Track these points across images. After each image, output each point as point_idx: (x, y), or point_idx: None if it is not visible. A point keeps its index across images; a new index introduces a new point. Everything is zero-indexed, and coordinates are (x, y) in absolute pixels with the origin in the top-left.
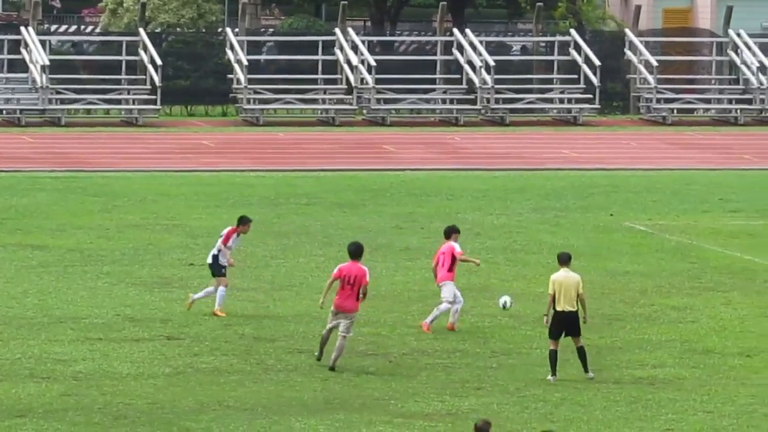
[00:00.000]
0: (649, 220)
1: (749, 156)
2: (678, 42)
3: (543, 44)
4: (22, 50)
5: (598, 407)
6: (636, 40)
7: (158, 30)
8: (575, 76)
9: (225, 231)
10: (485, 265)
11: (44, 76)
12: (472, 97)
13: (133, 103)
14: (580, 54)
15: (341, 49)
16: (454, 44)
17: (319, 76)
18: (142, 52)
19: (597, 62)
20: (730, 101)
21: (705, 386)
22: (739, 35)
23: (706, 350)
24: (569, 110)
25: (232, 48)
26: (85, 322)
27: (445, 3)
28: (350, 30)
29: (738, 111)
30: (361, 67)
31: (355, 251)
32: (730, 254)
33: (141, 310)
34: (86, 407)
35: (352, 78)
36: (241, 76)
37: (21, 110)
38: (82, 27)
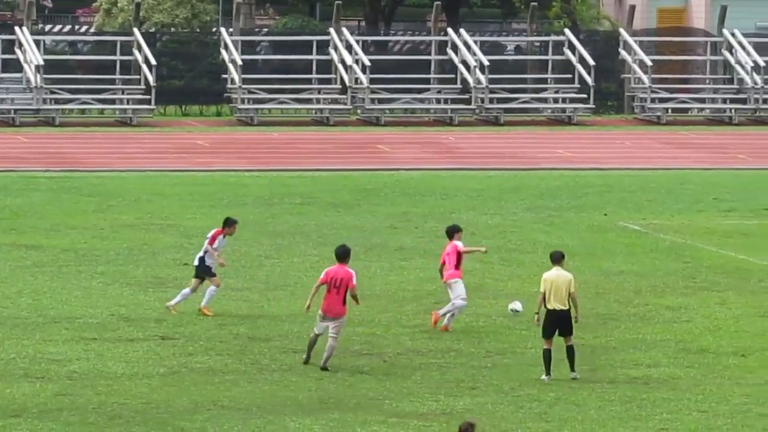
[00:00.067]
0: (643, 220)
1: (744, 156)
2: (672, 42)
3: (537, 44)
4: (17, 50)
5: (592, 407)
6: (630, 40)
7: (152, 30)
8: (570, 76)
9: (211, 233)
10: (480, 265)
11: (39, 75)
12: (466, 96)
13: (128, 103)
14: (574, 54)
15: (335, 48)
16: (449, 44)
17: (314, 75)
18: (136, 52)
19: (591, 62)
20: (724, 101)
21: (699, 386)
22: (733, 35)
23: (700, 350)
24: (564, 110)
25: (226, 48)
26: (80, 322)
27: (439, 3)
28: (344, 30)
29: (732, 110)
30: (355, 66)
31: (342, 254)
32: (724, 254)
33: (135, 310)
34: (81, 407)
35: (346, 78)
36: (236, 76)
37: (15, 110)
38: (77, 27)
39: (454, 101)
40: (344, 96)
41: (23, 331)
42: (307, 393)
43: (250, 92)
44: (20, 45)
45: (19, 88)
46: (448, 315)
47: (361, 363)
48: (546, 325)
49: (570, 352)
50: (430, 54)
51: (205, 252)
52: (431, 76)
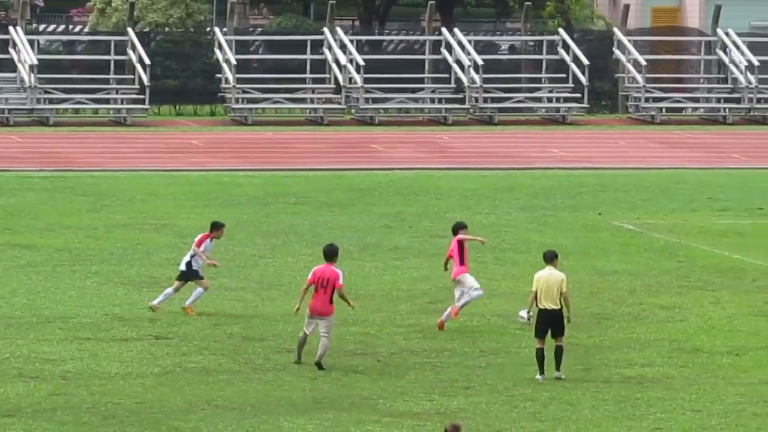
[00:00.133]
0: (637, 219)
1: (738, 155)
2: (666, 41)
3: (531, 43)
4: (11, 50)
5: (586, 406)
6: (624, 39)
7: (147, 29)
8: (564, 75)
9: (198, 237)
10: (474, 264)
11: (32, 75)
12: (460, 96)
13: (122, 103)
14: (568, 53)
15: (330, 48)
16: (443, 43)
17: (308, 75)
18: (130, 52)
19: (585, 61)
20: (718, 100)
21: (693, 385)
22: (727, 34)
23: (694, 349)
24: (558, 109)
25: (220, 47)
26: (74, 321)
27: (433, 2)
28: (338, 29)
29: (726, 110)
30: (349, 66)
31: (329, 253)
32: (718, 253)
33: (129, 310)
34: (75, 407)
35: (340, 77)
36: (230, 76)
37: (9, 110)
38: (71, 26)
39: (448, 101)
40: (338, 95)
41: (17, 330)
42: (301, 393)
43: (244, 92)
44: (14, 45)
45: (13, 87)
46: (469, 302)
47: (355, 362)
48: (538, 325)
49: (558, 351)
50: (424, 53)
51: (192, 256)
52: (425, 75)
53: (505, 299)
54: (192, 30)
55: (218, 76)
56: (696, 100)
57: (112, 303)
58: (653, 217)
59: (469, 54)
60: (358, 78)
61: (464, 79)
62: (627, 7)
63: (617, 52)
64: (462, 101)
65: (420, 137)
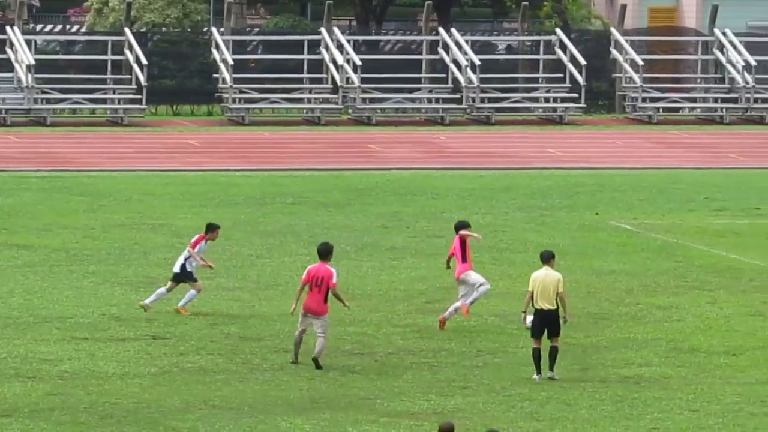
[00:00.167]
0: (634, 219)
1: (735, 155)
2: (663, 41)
3: (528, 43)
4: (8, 50)
5: (583, 406)
6: (621, 39)
7: (144, 29)
8: (561, 75)
9: (194, 238)
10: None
11: (30, 75)
12: (457, 96)
13: (119, 103)
14: (565, 53)
15: (327, 48)
16: (440, 43)
17: (305, 75)
18: (127, 52)
19: (582, 61)
20: (715, 100)
21: (691, 385)
22: (724, 34)
23: (691, 349)
24: (555, 109)
25: (217, 47)
26: (71, 321)
27: (430, 2)
28: (336, 29)
29: (723, 110)
30: (346, 66)
31: (323, 252)
32: (715, 253)
33: (127, 310)
34: (72, 407)
35: (337, 77)
36: (227, 76)
37: (6, 110)
38: (68, 26)
39: (445, 101)
40: (335, 95)
41: (14, 330)
42: (299, 392)
43: (241, 92)
44: (11, 45)
45: (10, 87)
46: (479, 298)
47: (353, 362)
48: (534, 325)
49: (553, 351)
50: (421, 53)
51: (187, 258)
52: (422, 75)
53: (502, 299)
54: (189, 30)
55: (215, 76)
56: (693, 100)
57: (110, 303)
58: (650, 217)
59: (466, 54)
60: (355, 78)
61: (461, 79)
62: (624, 6)
63: (614, 52)
64: (459, 101)
65: (417, 137)
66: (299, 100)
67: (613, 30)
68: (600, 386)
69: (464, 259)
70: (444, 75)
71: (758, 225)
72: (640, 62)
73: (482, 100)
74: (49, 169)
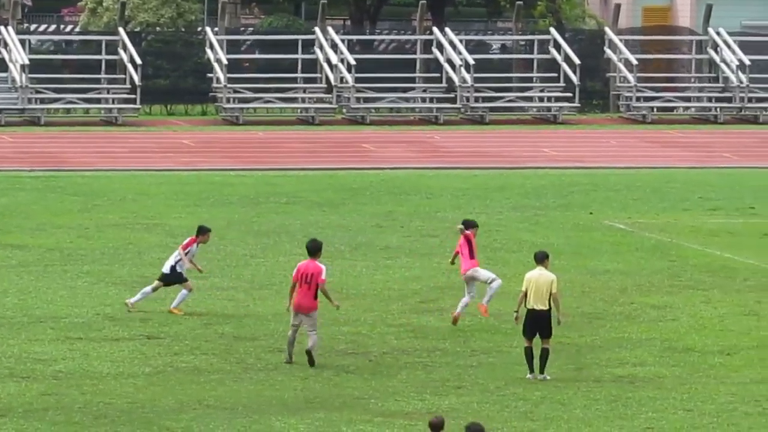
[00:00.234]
0: (628, 219)
1: (729, 154)
2: (658, 40)
3: (522, 43)
4: (2, 49)
5: (578, 405)
6: (615, 39)
7: (138, 29)
8: (555, 75)
9: (185, 241)
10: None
11: (24, 75)
12: (451, 95)
13: (113, 103)
14: (559, 52)
15: (321, 48)
16: (434, 43)
17: (299, 75)
18: (121, 52)
19: (577, 61)
20: (709, 99)
21: (685, 384)
22: (718, 33)
23: (686, 348)
24: (549, 109)
25: (211, 47)
26: (65, 321)
27: (424, 2)
28: (330, 29)
29: (718, 109)
30: (340, 65)
31: (312, 248)
32: (709, 252)
33: (121, 310)
34: (66, 406)
35: (331, 77)
36: (221, 75)
37: (0, 109)
38: (62, 26)
39: (439, 100)
40: (329, 95)
41: (9, 330)
42: (293, 392)
43: (235, 91)
44: (5, 44)
45: (5, 87)
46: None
47: (347, 362)
48: (526, 325)
49: (544, 354)
50: (415, 53)
51: (177, 261)
52: (416, 75)
53: (496, 299)
54: (183, 30)
55: (209, 75)
56: (687, 99)
57: (104, 303)
58: (644, 217)
59: (460, 53)
60: (349, 77)
61: (455, 78)
62: (618, 6)
63: (608, 52)
64: (453, 101)
65: (411, 137)
66: (293, 100)
67: (607, 29)
68: (594, 386)
69: (471, 256)
70: (438, 74)
71: (752, 224)
72: (635, 61)
73: (476, 100)
74: (43, 169)
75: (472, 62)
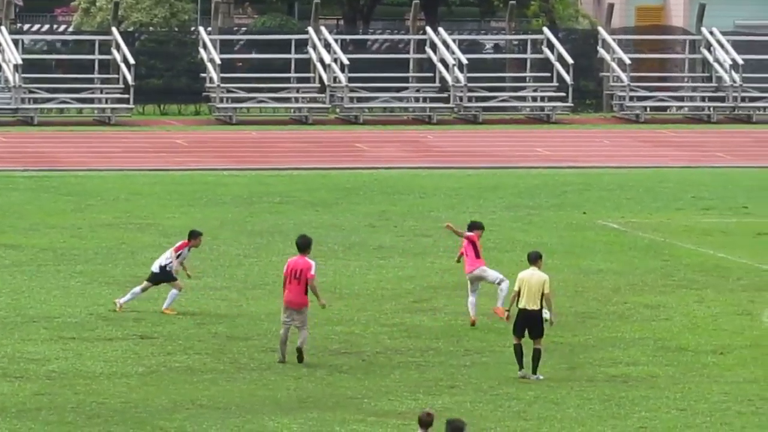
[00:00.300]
0: (622, 218)
1: (722, 154)
2: (651, 40)
3: (516, 42)
4: None
5: (571, 405)
6: (609, 38)
7: (131, 29)
8: (548, 74)
9: (177, 244)
10: (459, 264)
11: (17, 75)
12: (445, 95)
13: (106, 102)
14: (552, 52)
15: (314, 47)
16: (427, 42)
17: (292, 74)
18: (114, 51)
19: (570, 60)
20: (703, 99)
21: (678, 384)
22: (711, 33)
23: (679, 348)
24: (542, 108)
25: (205, 47)
26: (59, 321)
27: (417, 1)
28: (323, 28)
29: (711, 109)
30: (334, 65)
31: (302, 245)
32: (703, 252)
33: (114, 310)
34: (59, 406)
35: (325, 76)
36: (214, 75)
37: None
38: (55, 26)
39: (432, 100)
40: (323, 95)
41: (2, 330)
42: (286, 392)
43: (228, 91)
44: None
45: None
46: (507, 295)
47: (340, 362)
48: (516, 323)
49: (536, 354)
50: (408, 52)
51: (168, 262)
52: (410, 74)
53: (489, 298)
54: (176, 29)
55: (203, 75)
56: (680, 98)
57: (97, 302)
58: (638, 216)
59: (453, 53)
60: (342, 77)
61: (449, 78)
62: (611, 5)
63: (602, 51)
64: (446, 100)
65: (404, 136)
66: (287, 100)
67: (600, 29)
68: (587, 385)
69: (477, 256)
70: (431, 74)
71: (745, 224)
72: (628, 61)
73: (469, 99)
74: (36, 169)
75: (465, 62)
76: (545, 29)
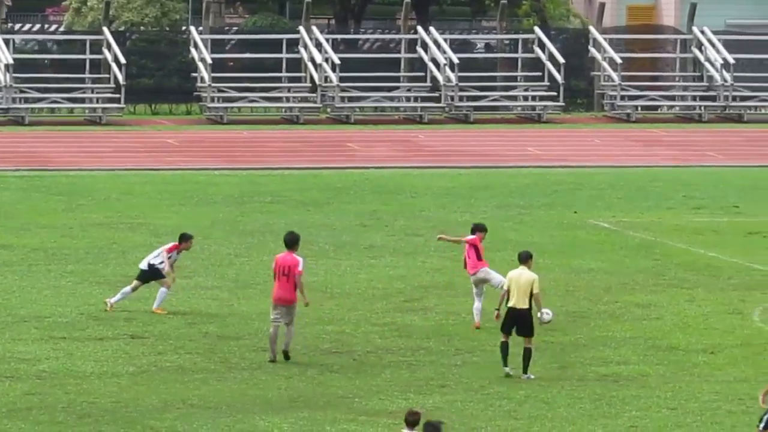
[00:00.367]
0: (613, 218)
1: (713, 153)
2: (642, 39)
3: (507, 42)
4: None
5: (562, 404)
6: (600, 38)
7: (122, 28)
8: (539, 74)
9: (168, 245)
10: (449, 263)
11: (8, 74)
12: (436, 94)
13: (97, 102)
14: (544, 51)
15: (305, 47)
16: (419, 42)
17: (283, 74)
18: (106, 51)
19: (561, 59)
20: (694, 98)
21: (669, 383)
22: (702, 32)
23: (670, 347)
24: (533, 108)
25: (196, 46)
26: (49, 320)
27: (409, 1)
28: (314, 28)
29: (702, 108)
30: (325, 65)
31: (289, 241)
32: (694, 251)
33: (104, 310)
34: (50, 406)
35: (316, 76)
36: (205, 75)
37: None
38: (46, 26)
39: (423, 99)
40: (314, 94)
41: None
42: (277, 391)
43: (219, 91)
44: None
45: None
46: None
47: (331, 361)
48: (505, 321)
49: (526, 353)
50: (399, 52)
51: (160, 263)
52: (401, 74)
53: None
54: (167, 29)
55: (194, 75)
56: (671, 98)
57: (88, 302)
58: (629, 215)
59: (444, 52)
60: (333, 77)
61: (440, 77)
62: (602, 5)
63: (593, 51)
64: (438, 100)
65: (396, 136)
66: (278, 99)
67: (591, 28)
68: (578, 384)
69: (479, 258)
70: (422, 74)
71: (736, 223)
72: (619, 60)
73: (461, 99)
74: (27, 169)
75: (456, 61)
76: (536, 29)
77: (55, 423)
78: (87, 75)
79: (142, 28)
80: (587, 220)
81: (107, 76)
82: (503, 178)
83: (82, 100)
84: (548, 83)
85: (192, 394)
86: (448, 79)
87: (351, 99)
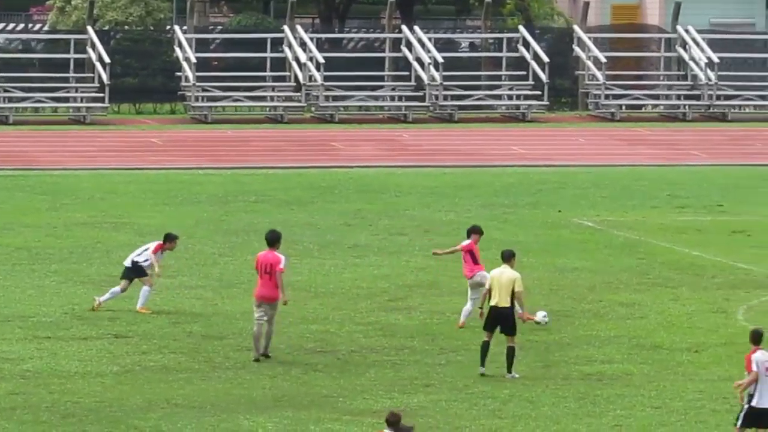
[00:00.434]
0: (597, 216)
1: (697, 152)
2: (626, 38)
3: (491, 41)
4: None
5: (546, 403)
6: (584, 37)
7: (106, 28)
8: (524, 73)
9: (153, 245)
10: (434, 262)
11: None
12: (420, 94)
13: (82, 101)
14: (528, 50)
15: (290, 46)
16: (403, 41)
17: (268, 73)
18: (90, 50)
19: (545, 59)
20: (678, 97)
21: (653, 382)
22: (687, 31)
23: (654, 346)
24: (518, 107)
25: (180, 45)
26: (33, 320)
27: (393, 0)
28: (299, 27)
29: (686, 107)
30: (309, 64)
31: (271, 239)
32: (678, 250)
33: (89, 309)
34: (34, 406)
35: (300, 75)
36: (190, 74)
37: None
38: (30, 25)
39: (408, 98)
40: (298, 93)
41: None
42: (261, 391)
43: (204, 90)
44: None
45: None
46: None
47: (315, 360)
48: (487, 320)
49: (509, 352)
50: (384, 51)
51: (146, 260)
52: (385, 73)
53: (464, 296)
54: (152, 28)
55: (178, 74)
56: (656, 97)
57: (72, 302)
58: (613, 214)
59: (429, 51)
60: (318, 76)
61: (424, 76)
62: (587, 4)
63: (577, 50)
64: (422, 99)
65: (380, 135)
66: (262, 98)
67: (575, 27)
68: (563, 383)
69: (476, 262)
70: (407, 73)
71: (720, 222)
72: (603, 59)
73: (445, 98)
74: (11, 168)
75: (441, 60)
76: (521, 27)
77: (39, 422)
78: (71, 74)
79: (126, 27)
80: (571, 219)
81: (91, 75)
82: (488, 177)
83: (67, 100)
84: (533, 82)
85: (176, 393)
86: (433, 79)
87: (335, 98)
